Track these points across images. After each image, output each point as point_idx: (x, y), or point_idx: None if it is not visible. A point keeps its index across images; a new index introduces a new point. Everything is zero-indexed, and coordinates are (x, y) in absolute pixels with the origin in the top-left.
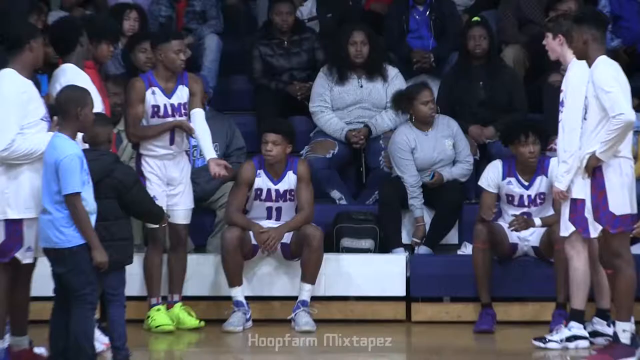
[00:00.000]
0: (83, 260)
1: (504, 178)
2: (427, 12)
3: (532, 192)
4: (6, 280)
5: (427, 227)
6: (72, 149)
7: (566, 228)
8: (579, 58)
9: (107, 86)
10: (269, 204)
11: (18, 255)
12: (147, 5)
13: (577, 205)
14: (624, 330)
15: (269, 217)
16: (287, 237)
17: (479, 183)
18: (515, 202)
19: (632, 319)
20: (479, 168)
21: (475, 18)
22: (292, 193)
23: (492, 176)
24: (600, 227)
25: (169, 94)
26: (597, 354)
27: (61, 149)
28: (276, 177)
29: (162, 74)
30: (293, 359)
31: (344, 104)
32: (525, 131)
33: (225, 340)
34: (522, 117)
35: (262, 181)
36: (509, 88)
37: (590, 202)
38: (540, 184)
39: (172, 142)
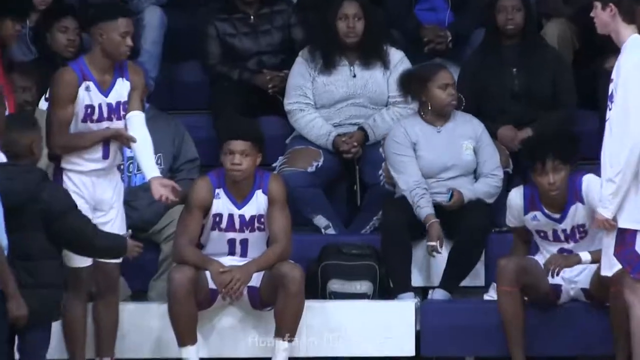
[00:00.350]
0: None
1: (526, 212)
2: None
3: (567, 225)
4: None
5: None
6: None
7: (610, 266)
8: None
9: (13, 78)
10: (231, 234)
11: None
12: None
13: (625, 236)
14: None
15: (231, 253)
16: (256, 279)
17: (507, 221)
18: (550, 238)
19: None
20: (511, 184)
21: None
22: (262, 220)
23: (513, 212)
24: None
25: (105, 90)
26: None
27: None
28: (240, 199)
29: (98, 61)
30: None
31: (331, 100)
32: (541, 157)
33: None
34: (568, 116)
35: (221, 204)
36: (552, 76)
37: None
38: (575, 214)
39: (105, 155)
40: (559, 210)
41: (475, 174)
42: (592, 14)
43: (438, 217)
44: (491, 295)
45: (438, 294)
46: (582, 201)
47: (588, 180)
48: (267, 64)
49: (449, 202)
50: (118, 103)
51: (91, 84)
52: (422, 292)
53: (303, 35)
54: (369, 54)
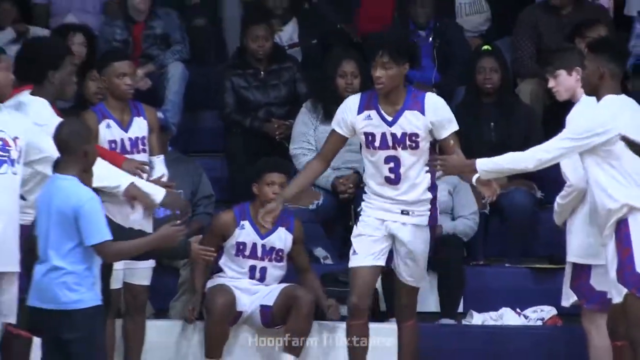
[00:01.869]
0: (98, 324)
1: (360, 112)
2: (430, 38)
3: (397, 130)
4: None
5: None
6: (88, 192)
7: (567, 297)
8: (588, 93)
9: None
10: (252, 261)
11: None
12: (97, 27)
13: (579, 271)
14: None
15: (251, 277)
16: (270, 299)
17: (333, 124)
18: (377, 143)
19: None
20: (488, 225)
21: (486, 46)
22: (281, 254)
23: (346, 113)
24: (625, 291)
25: (125, 126)
26: None
27: (77, 194)
28: (264, 231)
29: (113, 104)
30: None
31: None
32: (375, 52)
33: None
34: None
35: (245, 234)
36: (525, 130)
37: (614, 261)
38: (409, 122)
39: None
40: (392, 112)
41: (453, 214)
42: (551, 84)
43: None
44: (468, 320)
45: (445, 321)
46: (422, 112)
47: (433, 97)
48: (275, 114)
49: None
50: (137, 138)
51: (111, 122)
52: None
53: (307, 89)
54: None
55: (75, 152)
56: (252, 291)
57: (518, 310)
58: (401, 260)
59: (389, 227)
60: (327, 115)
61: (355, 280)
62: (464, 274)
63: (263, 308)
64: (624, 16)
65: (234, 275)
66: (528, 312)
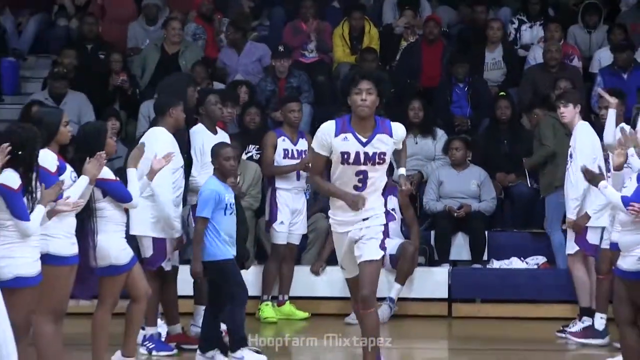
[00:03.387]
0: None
1: (337, 135)
2: (466, 88)
3: (369, 149)
4: (156, 283)
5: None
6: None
7: (571, 248)
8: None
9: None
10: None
11: (163, 264)
12: (256, 81)
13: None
14: (602, 317)
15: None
16: (392, 249)
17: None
18: (351, 160)
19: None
20: (503, 205)
21: (502, 93)
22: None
23: (324, 137)
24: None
25: (294, 142)
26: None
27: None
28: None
29: (287, 129)
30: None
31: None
32: (359, 79)
33: (325, 327)
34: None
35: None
36: (528, 146)
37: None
38: (379, 142)
39: (298, 177)
40: (366, 135)
41: (480, 198)
42: (561, 110)
43: (457, 221)
44: (490, 265)
45: (475, 266)
46: (390, 135)
47: (397, 124)
48: None
49: (461, 210)
50: (302, 150)
51: (286, 139)
52: (453, 263)
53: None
54: (426, 127)
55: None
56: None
57: (522, 258)
58: (358, 247)
59: (352, 234)
60: None
61: (353, 286)
62: (486, 236)
63: (391, 256)
64: (589, 73)
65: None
66: (528, 260)
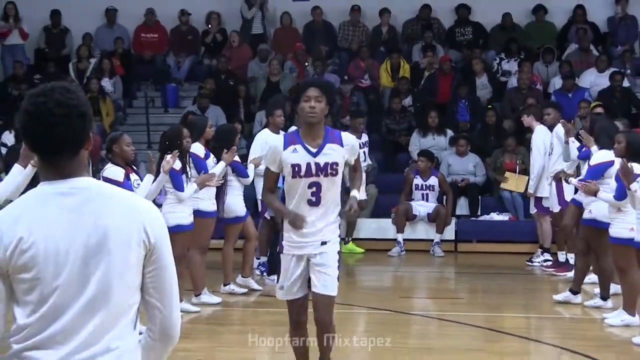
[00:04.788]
0: None
1: (286, 147)
2: (466, 103)
3: (321, 160)
4: (269, 227)
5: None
6: None
7: (533, 209)
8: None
9: None
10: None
11: (266, 214)
12: None
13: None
14: (562, 254)
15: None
16: (430, 209)
17: (265, 163)
18: (302, 172)
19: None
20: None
21: (489, 106)
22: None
23: (273, 154)
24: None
25: (360, 138)
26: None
27: None
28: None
29: (353, 132)
30: None
31: None
32: (308, 86)
33: (381, 261)
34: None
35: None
36: (507, 140)
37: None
38: (330, 153)
39: None
40: (316, 145)
41: (475, 175)
42: (524, 118)
43: (460, 189)
44: (483, 217)
45: (472, 218)
46: (341, 144)
47: (347, 134)
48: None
49: (463, 182)
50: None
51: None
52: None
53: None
54: None
55: None
56: None
57: (498, 213)
58: (315, 274)
59: (307, 259)
60: None
61: (290, 307)
62: (479, 199)
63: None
64: (548, 93)
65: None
66: (504, 215)
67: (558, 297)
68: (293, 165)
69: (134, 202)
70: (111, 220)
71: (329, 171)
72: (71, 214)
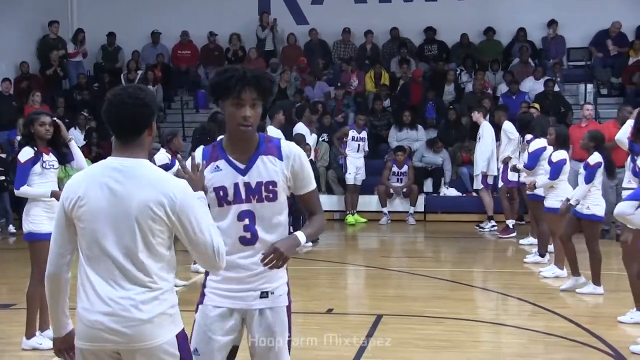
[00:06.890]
0: None
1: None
2: (433, 105)
3: (252, 179)
4: None
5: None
6: None
7: (477, 185)
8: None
9: None
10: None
11: None
12: (326, 101)
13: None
14: (509, 222)
15: None
16: (404, 188)
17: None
18: (230, 197)
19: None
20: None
21: (451, 106)
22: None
23: None
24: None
25: (359, 132)
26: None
27: None
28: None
29: (356, 127)
30: None
31: None
32: (241, 87)
33: (369, 228)
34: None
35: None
36: (464, 133)
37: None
38: (264, 169)
39: (358, 150)
40: (245, 159)
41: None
42: (474, 114)
43: (428, 171)
44: (444, 193)
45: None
46: (280, 157)
47: (291, 144)
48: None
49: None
50: None
51: None
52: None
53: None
54: None
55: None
56: None
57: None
58: (257, 345)
59: (241, 316)
60: None
61: None
62: (442, 181)
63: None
64: (496, 96)
65: None
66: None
67: (564, 286)
68: (217, 189)
69: (161, 177)
70: (140, 193)
71: (264, 194)
72: (115, 184)
